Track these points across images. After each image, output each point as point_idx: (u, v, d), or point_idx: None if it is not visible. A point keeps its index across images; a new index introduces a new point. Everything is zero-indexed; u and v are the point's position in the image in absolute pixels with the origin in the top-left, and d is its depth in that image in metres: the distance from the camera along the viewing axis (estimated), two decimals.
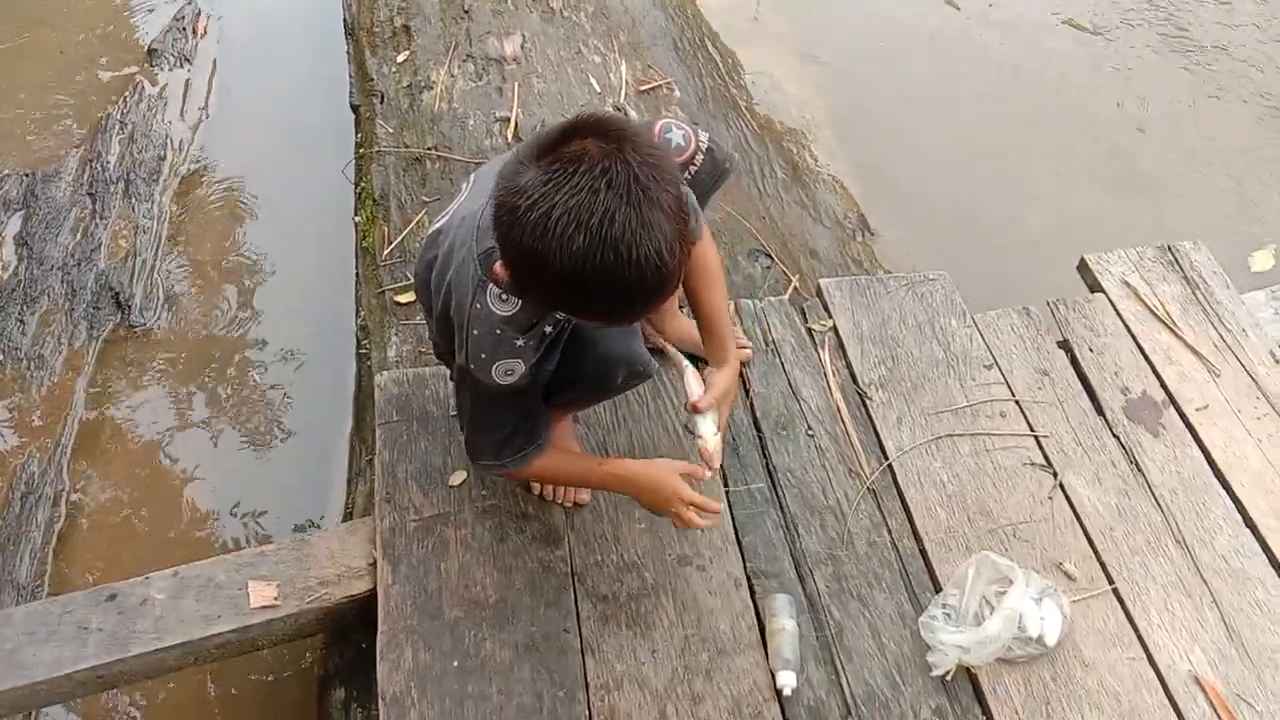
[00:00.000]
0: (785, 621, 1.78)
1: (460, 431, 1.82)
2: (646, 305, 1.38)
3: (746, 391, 2.17)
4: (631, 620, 1.82)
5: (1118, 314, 2.33)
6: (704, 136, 1.83)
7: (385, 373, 2.17)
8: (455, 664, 1.75)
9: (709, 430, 1.71)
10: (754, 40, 3.60)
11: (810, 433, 2.11)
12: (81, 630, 1.81)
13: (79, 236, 2.90)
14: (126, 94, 3.34)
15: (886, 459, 2.07)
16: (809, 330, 2.30)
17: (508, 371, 1.58)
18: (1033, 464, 2.06)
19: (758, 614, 1.83)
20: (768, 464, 2.06)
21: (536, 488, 1.97)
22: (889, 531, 1.97)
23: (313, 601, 1.86)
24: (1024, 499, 2.00)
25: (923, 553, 1.94)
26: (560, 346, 1.67)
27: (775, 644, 1.76)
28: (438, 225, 1.70)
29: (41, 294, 2.75)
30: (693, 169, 1.82)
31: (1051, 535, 1.95)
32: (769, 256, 2.63)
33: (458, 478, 1.99)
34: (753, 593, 1.87)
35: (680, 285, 1.84)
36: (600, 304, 1.36)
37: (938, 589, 1.87)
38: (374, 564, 1.89)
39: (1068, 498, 2.01)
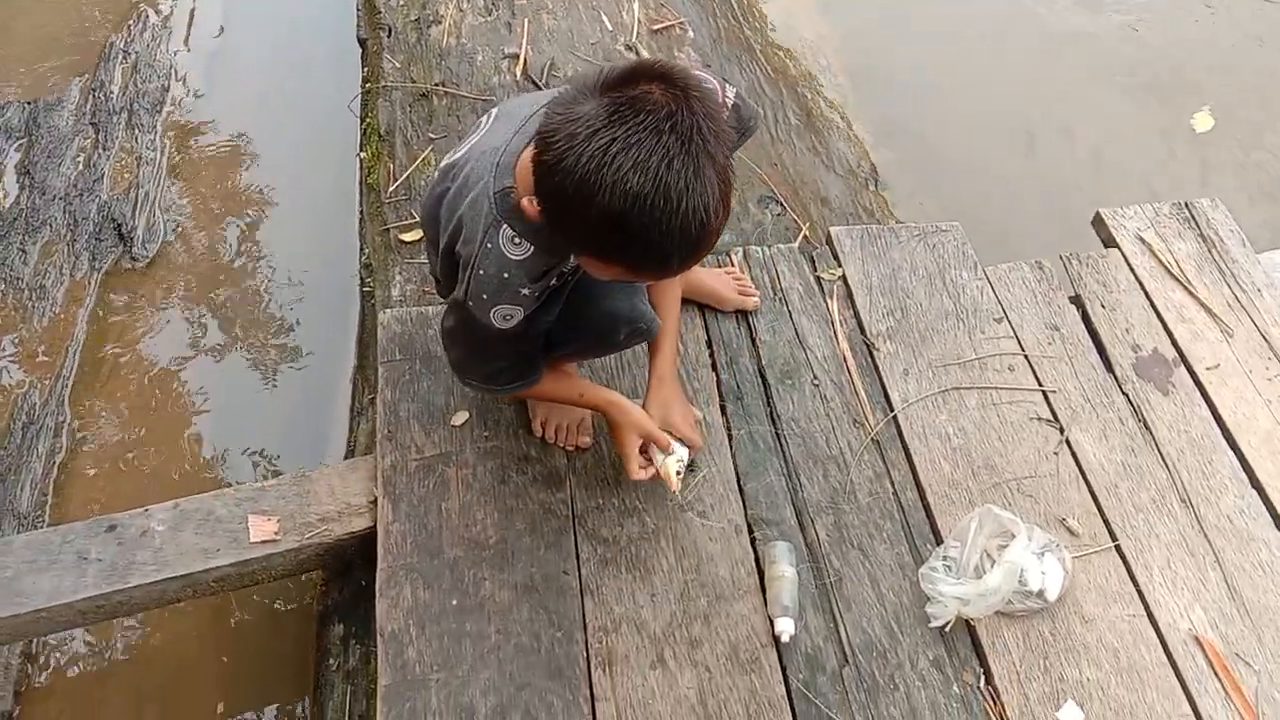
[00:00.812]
0: (785, 569, 1.77)
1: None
2: (680, 262, 1.34)
3: (753, 340, 2.15)
4: (631, 564, 1.81)
5: (1131, 270, 2.30)
6: (731, 90, 1.79)
7: (388, 310, 2.15)
8: (454, 602, 1.75)
9: (659, 459, 1.79)
10: None
11: (815, 382, 2.09)
12: (81, 560, 1.81)
13: (81, 166, 2.86)
14: (130, 21, 3.29)
15: (892, 410, 2.05)
16: (818, 279, 2.27)
17: (506, 317, 1.56)
18: (1040, 419, 2.04)
19: (757, 561, 1.83)
20: (772, 412, 2.04)
21: (538, 429, 1.96)
22: (892, 483, 1.96)
23: (312, 537, 1.86)
24: (1029, 454, 1.99)
25: (925, 505, 1.93)
26: (563, 298, 1.65)
27: (774, 591, 1.76)
28: (453, 158, 1.66)
29: (43, 224, 2.73)
30: None
31: (1056, 491, 1.93)
32: (780, 204, 2.59)
33: (460, 418, 1.98)
34: (753, 540, 1.86)
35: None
36: (635, 250, 1.32)
37: (939, 541, 1.86)
38: (374, 501, 1.88)
39: (1074, 454, 1.99)
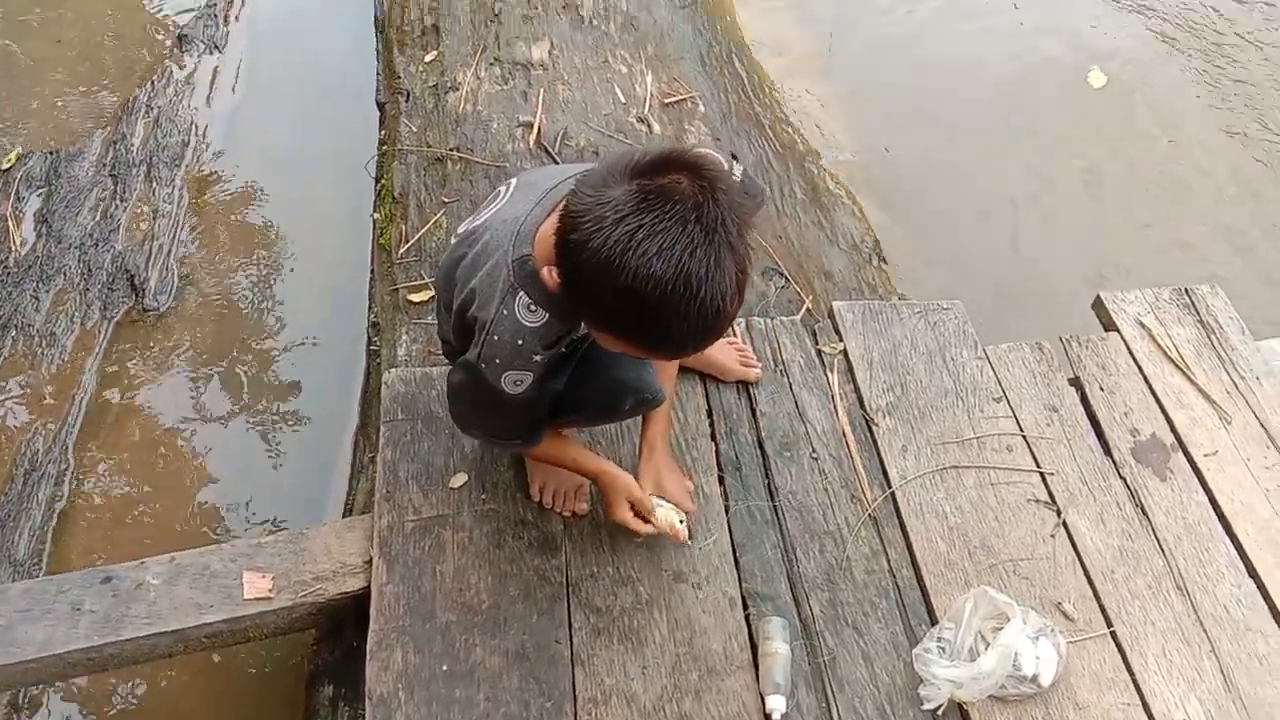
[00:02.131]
0: (778, 645, 1.77)
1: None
2: (694, 345, 1.39)
3: (753, 411, 2.17)
4: (624, 635, 1.81)
5: (1131, 354, 2.32)
6: (738, 168, 1.83)
7: (393, 370, 2.17)
8: (444, 668, 1.74)
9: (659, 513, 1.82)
10: (784, 59, 3.60)
11: (814, 455, 2.10)
12: (75, 610, 1.81)
13: (98, 217, 2.92)
14: (154, 78, 3.36)
15: (889, 486, 2.06)
16: (819, 352, 2.29)
17: (516, 382, 1.59)
18: (1037, 500, 2.04)
19: (751, 635, 1.82)
20: (770, 485, 2.05)
21: (535, 493, 1.96)
22: (888, 560, 1.95)
23: (306, 596, 1.86)
24: (1026, 535, 1.99)
25: (921, 584, 1.92)
26: (571, 365, 1.67)
27: (767, 667, 1.75)
28: (472, 225, 1.70)
29: (57, 272, 2.77)
30: None
31: (1052, 574, 1.93)
32: (784, 276, 2.62)
33: (458, 480, 1.99)
34: (747, 614, 1.86)
35: None
36: (651, 331, 1.36)
37: (934, 621, 1.85)
38: (370, 561, 1.88)
39: (1070, 537, 1.99)
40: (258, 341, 2.74)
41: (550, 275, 1.41)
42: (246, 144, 3.27)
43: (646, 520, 1.82)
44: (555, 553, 1.91)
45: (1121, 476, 2.09)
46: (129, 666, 1.92)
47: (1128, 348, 2.33)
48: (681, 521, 1.84)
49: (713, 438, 2.12)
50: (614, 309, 1.34)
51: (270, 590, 1.86)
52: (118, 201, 2.96)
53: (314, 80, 3.53)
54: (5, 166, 3.03)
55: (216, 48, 3.52)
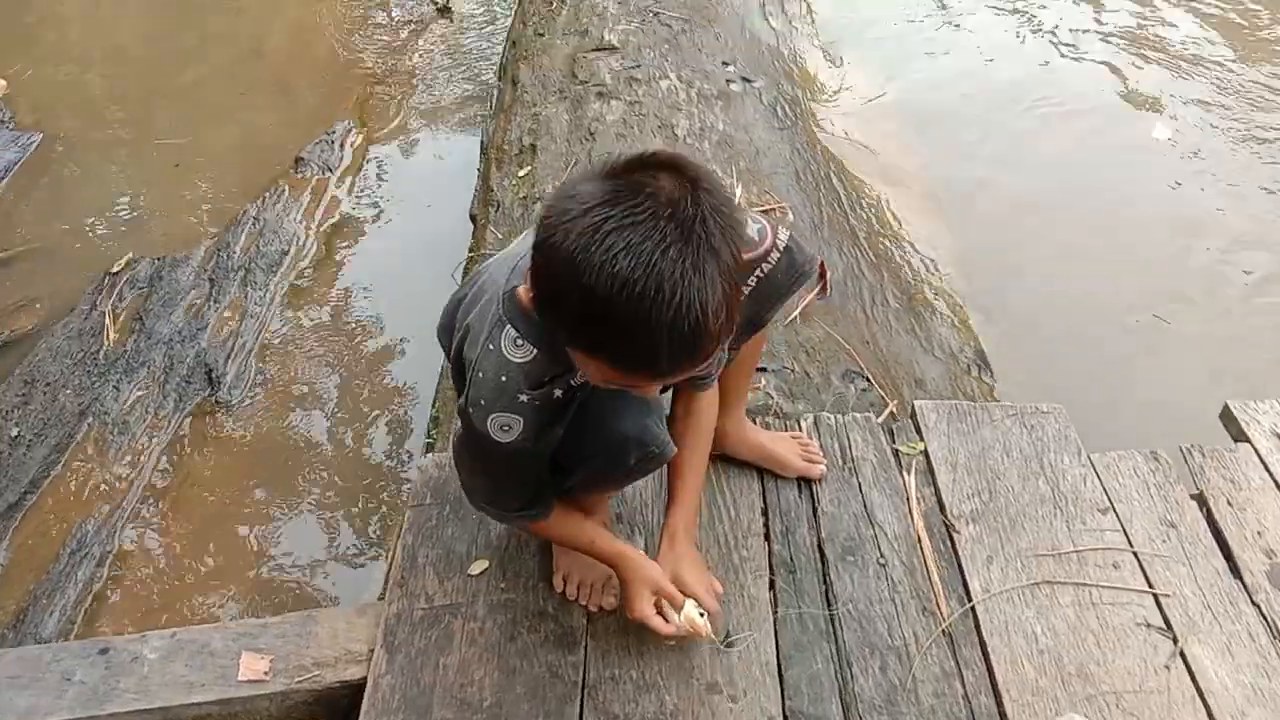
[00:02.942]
0: None
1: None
2: (669, 361, 1.22)
3: (814, 511, 1.94)
4: None
5: (1265, 467, 1.99)
6: (784, 234, 1.69)
7: (430, 455, 2.06)
8: None
9: (678, 616, 1.62)
10: (885, 176, 3.48)
11: (882, 561, 1.84)
12: (64, 681, 1.71)
13: (190, 316, 2.98)
14: (266, 194, 3.49)
15: (970, 600, 1.78)
16: (895, 451, 2.06)
17: (504, 427, 1.44)
18: (1149, 625, 1.72)
19: None
20: (827, 591, 1.80)
21: (559, 583, 1.78)
22: (963, 684, 1.66)
23: (302, 682, 1.71)
24: (1134, 664, 1.66)
25: (1001, 713, 1.62)
26: (567, 416, 1.51)
27: None
28: (478, 268, 1.61)
29: (142, 365, 2.82)
30: (766, 267, 1.67)
31: (1166, 711, 1.59)
32: (866, 379, 2.41)
33: (478, 567, 1.83)
34: None
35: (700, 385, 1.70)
36: (619, 342, 1.21)
37: None
38: (374, 650, 1.72)
39: (1190, 669, 1.65)
40: (323, 442, 2.68)
41: (525, 291, 1.29)
42: (344, 254, 3.33)
43: (672, 613, 1.61)
44: (573, 649, 1.70)
45: (1255, 603, 1.75)
46: None
47: (1261, 460, 2.01)
48: (702, 616, 1.62)
49: (766, 537, 1.89)
50: (581, 316, 1.20)
51: (266, 673, 1.72)
52: (210, 303, 3.03)
53: (417, 199, 3.60)
54: (114, 270, 3.15)
55: (329, 169, 3.66)
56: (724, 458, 2.00)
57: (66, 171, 3.77)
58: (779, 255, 1.68)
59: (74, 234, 3.43)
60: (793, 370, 2.42)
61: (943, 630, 1.73)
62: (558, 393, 1.46)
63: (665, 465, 1.69)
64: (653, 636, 1.64)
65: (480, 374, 1.43)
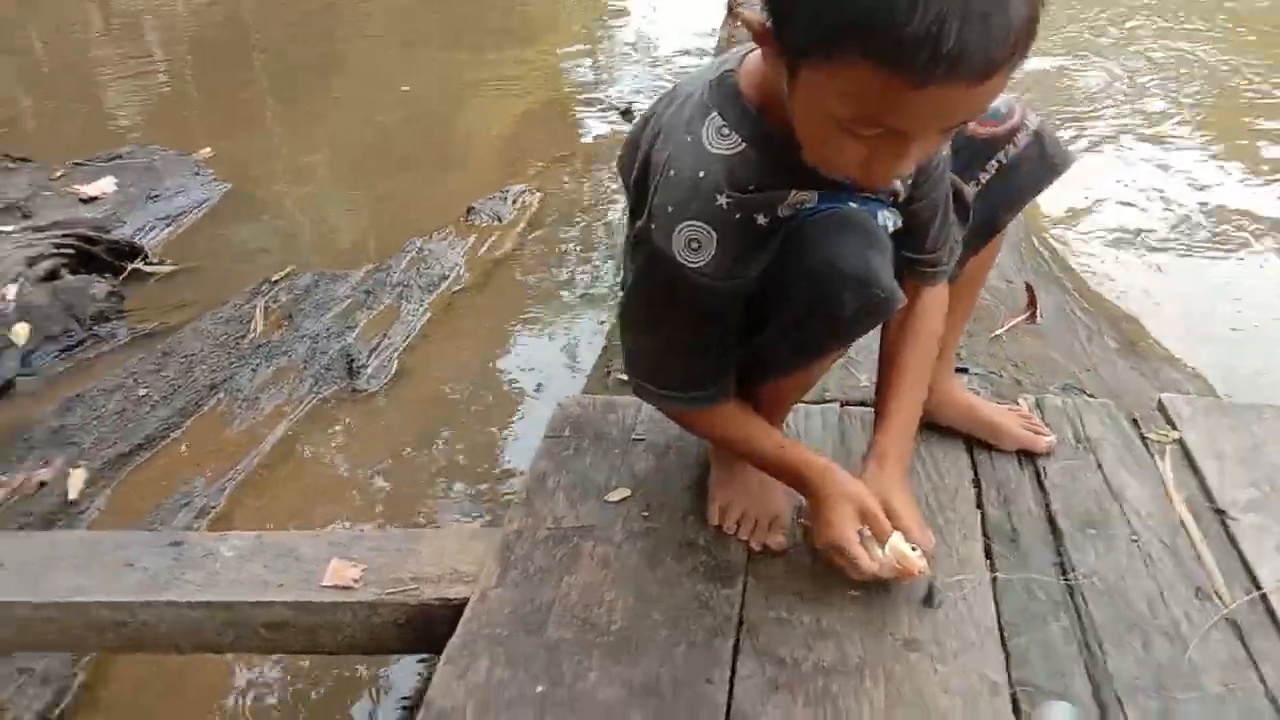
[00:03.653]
0: None
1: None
2: (959, 43, 0.88)
3: (1040, 484, 1.54)
4: (814, 698, 1.18)
5: None
6: (1035, 117, 1.42)
7: (572, 395, 1.78)
8: (539, 690, 1.19)
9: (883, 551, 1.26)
10: None
11: (1134, 538, 1.42)
12: (125, 566, 1.46)
13: (341, 319, 2.85)
14: (434, 232, 3.42)
15: (1259, 588, 1.33)
16: (1142, 437, 1.65)
17: (692, 242, 1.17)
18: None
19: None
20: (1063, 562, 1.39)
21: (715, 517, 1.44)
22: (1261, 678, 1.20)
23: (395, 593, 1.40)
24: None
25: None
26: (768, 252, 1.22)
27: None
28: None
29: (284, 354, 2.68)
30: (1012, 150, 1.39)
31: None
32: (1086, 395, 2.01)
33: (618, 494, 1.51)
34: (1016, 707, 1.17)
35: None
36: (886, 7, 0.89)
37: None
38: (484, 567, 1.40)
39: None
40: (459, 437, 2.44)
41: (754, 16, 1.03)
42: (502, 290, 3.17)
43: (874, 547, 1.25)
44: (729, 583, 1.34)
45: None
46: (168, 653, 1.48)
47: None
48: (914, 550, 1.24)
49: (978, 504, 1.51)
50: None
51: (355, 580, 1.42)
52: (364, 310, 2.90)
53: (579, 257, 3.46)
54: (275, 278, 3.09)
55: (499, 219, 3.58)
56: (925, 424, 1.65)
57: (246, 216, 3.83)
58: (1028, 140, 1.40)
59: (243, 258, 3.42)
60: (1000, 376, 2.05)
61: (1226, 617, 1.29)
62: (761, 218, 1.18)
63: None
64: (846, 574, 1.27)
65: (672, 171, 1.17)
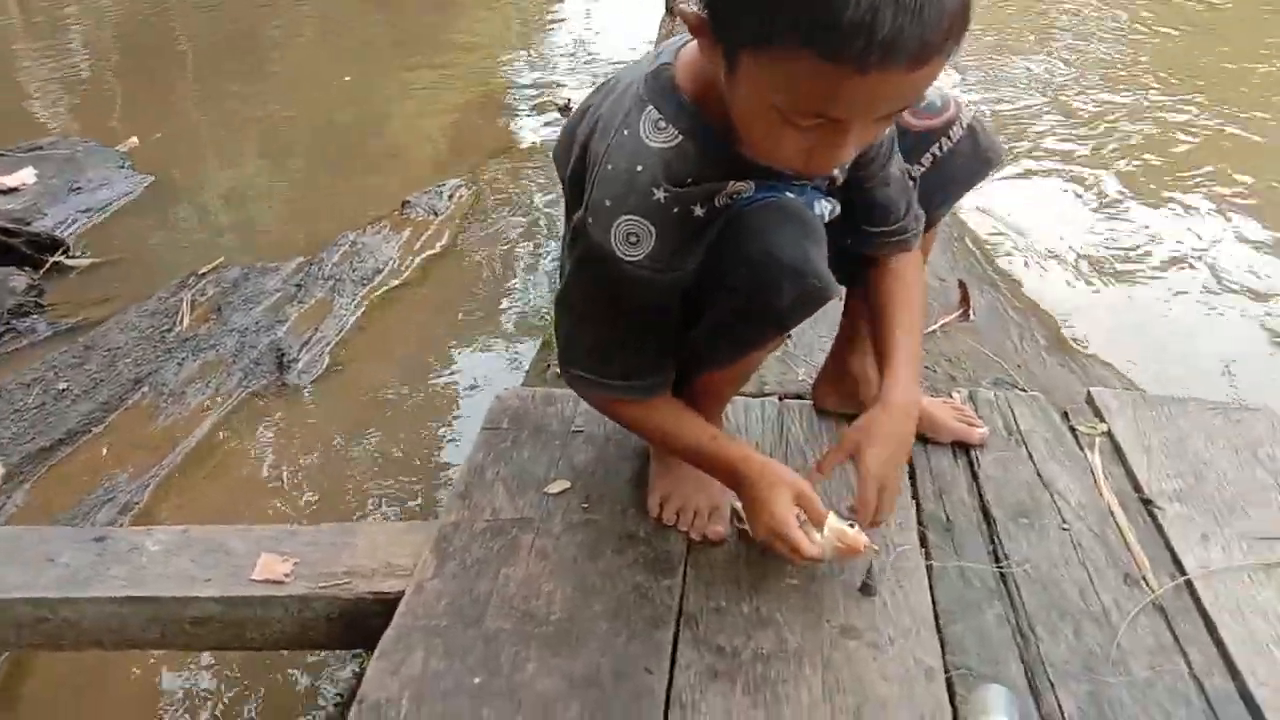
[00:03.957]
0: None
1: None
2: (892, 28, 0.89)
3: (974, 475, 1.57)
4: (753, 685, 1.18)
5: None
6: (969, 111, 1.44)
7: (509, 388, 1.76)
8: (477, 681, 1.17)
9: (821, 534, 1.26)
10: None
11: (1065, 526, 1.45)
12: (47, 561, 1.41)
13: (271, 312, 2.79)
14: (368, 226, 3.37)
15: (1184, 574, 1.36)
16: (1071, 429, 1.69)
17: (630, 236, 1.16)
18: None
19: (955, 717, 1.14)
20: (996, 551, 1.41)
21: (654, 508, 1.43)
22: (1187, 662, 1.23)
23: (327, 588, 1.36)
24: None
25: (1245, 697, 1.18)
26: (705, 242, 1.21)
27: None
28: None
29: (211, 348, 2.61)
30: (946, 144, 1.41)
31: None
32: (1018, 388, 2.05)
33: (558, 487, 1.49)
34: (951, 693, 1.18)
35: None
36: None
37: None
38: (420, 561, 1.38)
39: None
40: (392, 432, 2.40)
41: (690, 9, 1.02)
42: (439, 284, 3.14)
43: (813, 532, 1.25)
44: (669, 574, 1.33)
45: None
46: (91, 650, 1.43)
47: None
48: (852, 526, 1.25)
49: (914, 496, 1.52)
50: None
51: (286, 575, 1.38)
52: (295, 304, 2.84)
53: (512, 237, 3.44)
54: (202, 271, 3.01)
55: (435, 213, 3.53)
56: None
57: (170, 209, 3.73)
58: (963, 134, 1.42)
59: (169, 252, 3.33)
60: (934, 371, 2.08)
61: (1154, 602, 1.32)
62: (698, 210, 1.18)
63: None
64: (790, 560, 1.27)
65: (609, 165, 1.16)
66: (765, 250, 1.17)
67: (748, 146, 1.12)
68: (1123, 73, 4.79)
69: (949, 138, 1.41)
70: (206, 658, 1.75)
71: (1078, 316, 2.82)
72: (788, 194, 1.22)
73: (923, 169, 1.42)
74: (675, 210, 1.16)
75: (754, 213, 1.19)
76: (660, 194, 1.15)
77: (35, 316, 2.77)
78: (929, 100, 1.41)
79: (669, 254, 1.17)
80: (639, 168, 1.15)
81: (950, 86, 1.43)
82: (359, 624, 1.37)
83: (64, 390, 2.35)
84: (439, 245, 3.33)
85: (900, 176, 1.34)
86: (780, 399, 1.77)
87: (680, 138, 1.15)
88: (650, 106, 1.16)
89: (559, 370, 1.38)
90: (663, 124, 1.15)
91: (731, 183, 1.19)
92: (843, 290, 1.23)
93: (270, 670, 1.74)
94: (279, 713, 1.67)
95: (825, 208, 1.29)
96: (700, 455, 1.35)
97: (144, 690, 1.70)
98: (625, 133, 1.16)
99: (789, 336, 1.99)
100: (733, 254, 1.19)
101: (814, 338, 2.17)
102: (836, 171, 1.27)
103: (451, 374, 2.65)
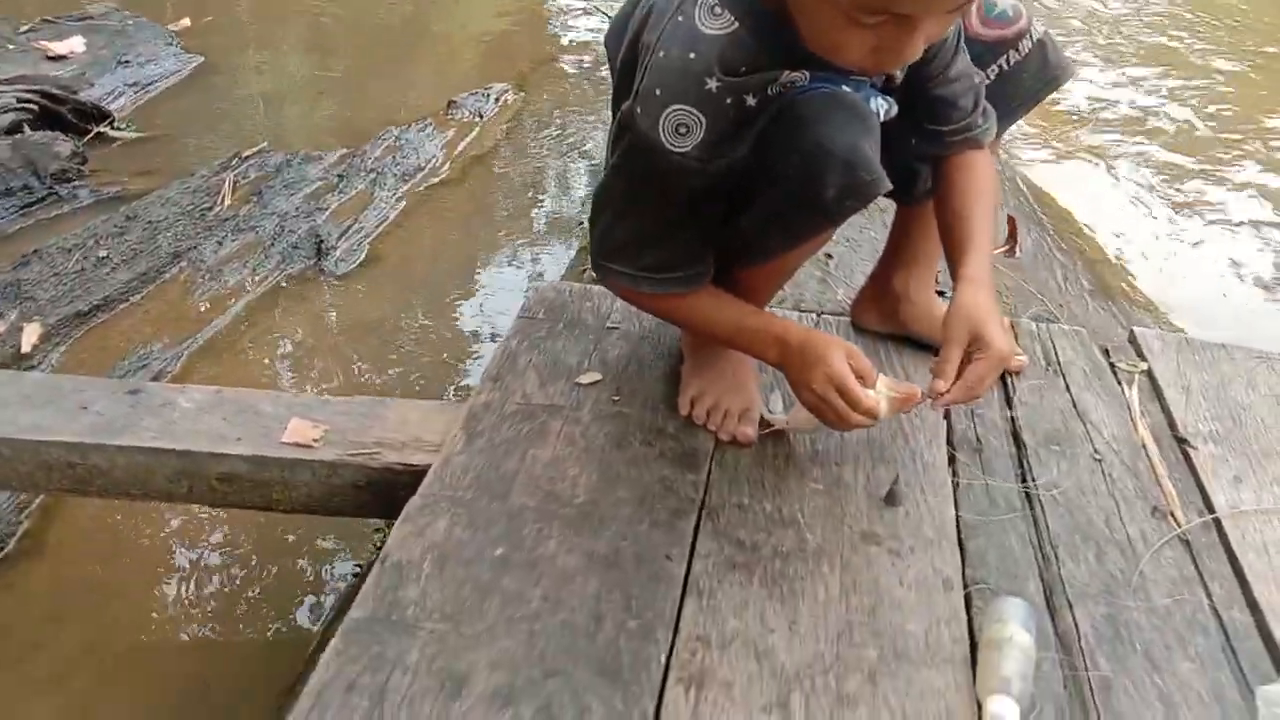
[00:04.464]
0: (1016, 630, 1.08)
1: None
2: None
3: (1008, 400, 1.55)
4: (770, 579, 1.18)
5: None
6: (1040, 25, 1.39)
7: (547, 281, 1.75)
8: (498, 552, 1.18)
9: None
10: None
11: (1097, 456, 1.44)
12: (81, 409, 1.43)
13: (311, 200, 2.79)
14: (412, 123, 3.34)
15: (1213, 512, 1.35)
16: (1111, 365, 1.66)
17: (680, 128, 1.13)
18: None
19: (971, 628, 1.14)
20: (1024, 474, 1.40)
21: (685, 406, 1.42)
22: (1208, 594, 1.23)
23: (356, 455, 1.38)
24: None
25: (1264, 632, 1.18)
26: (755, 129, 1.19)
27: (993, 660, 1.06)
28: None
29: (251, 229, 2.62)
30: (1015, 56, 1.37)
31: None
32: (1057, 323, 2.02)
33: (589, 377, 1.49)
34: (969, 601, 1.18)
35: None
36: None
37: None
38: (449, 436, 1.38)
39: None
40: (426, 322, 2.40)
41: None
42: (479, 183, 3.12)
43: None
44: (694, 469, 1.34)
45: None
46: (118, 499, 1.46)
47: None
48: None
49: (945, 415, 1.51)
50: None
51: (315, 440, 1.39)
52: (335, 193, 2.84)
53: (561, 149, 3.41)
54: (246, 153, 3.00)
55: (480, 116, 3.50)
56: (899, 338, 1.65)
57: (217, 91, 3.71)
58: (1032, 47, 1.38)
59: (213, 133, 3.33)
60: None
61: (1180, 536, 1.31)
62: (750, 100, 1.15)
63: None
64: (841, 424, 1.26)
65: (662, 53, 1.13)
66: (816, 140, 1.15)
67: (812, 43, 1.09)
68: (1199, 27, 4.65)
69: (1018, 50, 1.38)
70: (227, 521, 1.78)
71: (1124, 264, 2.77)
72: (844, 87, 1.19)
73: (988, 81, 1.38)
74: (728, 100, 1.14)
75: (807, 102, 1.16)
76: (713, 83, 1.12)
77: (78, 183, 2.77)
78: (1001, 8, 1.37)
79: (715, 144, 1.15)
80: (692, 55, 1.12)
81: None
82: (385, 493, 1.38)
83: (104, 258, 2.36)
84: (484, 147, 3.30)
85: (967, 73, 1.31)
86: (818, 315, 1.76)
87: (736, 24, 1.11)
88: None
89: (592, 265, 1.36)
90: (718, 9, 1.12)
91: (787, 72, 1.16)
92: (889, 185, 1.19)
93: (288, 535, 1.77)
94: (296, 573, 1.71)
95: (881, 105, 1.26)
96: (741, 332, 1.32)
97: (165, 548, 1.74)
98: (680, 19, 1.13)
99: (828, 251, 1.97)
100: (784, 142, 1.16)
101: (855, 260, 2.15)
102: (897, 71, 1.23)
103: (488, 272, 2.65)
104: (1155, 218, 3.07)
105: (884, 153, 1.20)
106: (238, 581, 1.71)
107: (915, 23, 1.01)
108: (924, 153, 1.37)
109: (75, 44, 3.57)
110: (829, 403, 1.23)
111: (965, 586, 1.21)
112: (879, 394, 1.24)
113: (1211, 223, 3.05)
